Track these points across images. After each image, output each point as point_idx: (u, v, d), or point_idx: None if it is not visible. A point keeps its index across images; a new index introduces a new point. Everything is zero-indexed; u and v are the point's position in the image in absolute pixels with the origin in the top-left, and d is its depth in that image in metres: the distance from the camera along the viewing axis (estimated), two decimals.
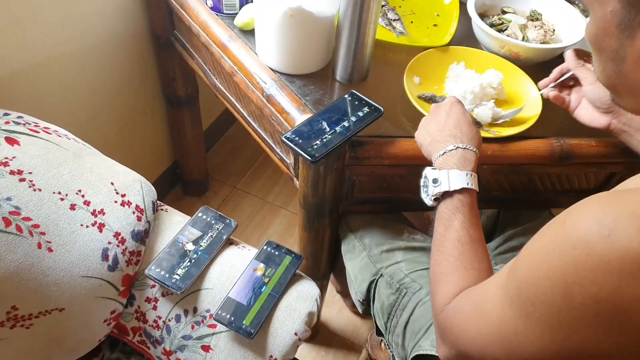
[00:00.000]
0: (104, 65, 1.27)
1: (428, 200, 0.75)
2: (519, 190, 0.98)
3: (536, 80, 0.97)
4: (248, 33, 1.06)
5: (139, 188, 0.91)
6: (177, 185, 1.81)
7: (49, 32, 1.09)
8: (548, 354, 0.50)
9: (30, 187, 0.78)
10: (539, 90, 0.90)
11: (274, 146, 1.05)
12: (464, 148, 0.75)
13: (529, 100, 0.95)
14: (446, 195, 0.74)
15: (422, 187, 0.77)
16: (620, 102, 0.59)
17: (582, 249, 0.45)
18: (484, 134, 0.89)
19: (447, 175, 0.73)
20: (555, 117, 0.93)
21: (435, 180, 0.74)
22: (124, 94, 1.38)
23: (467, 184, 0.73)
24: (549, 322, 0.48)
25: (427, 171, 0.76)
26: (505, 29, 1.07)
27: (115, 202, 0.86)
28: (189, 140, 1.61)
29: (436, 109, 0.82)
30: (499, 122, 0.92)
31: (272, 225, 1.79)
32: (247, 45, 1.03)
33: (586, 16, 1.06)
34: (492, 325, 0.55)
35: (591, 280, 0.44)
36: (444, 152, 0.75)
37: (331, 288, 1.56)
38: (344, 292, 1.49)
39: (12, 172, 0.77)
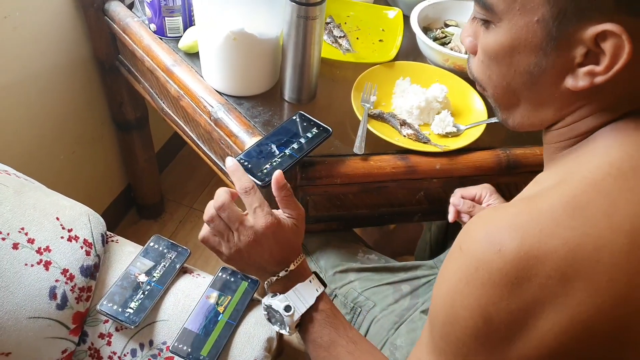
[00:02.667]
0: (47, 94, 1.23)
1: (290, 331, 0.68)
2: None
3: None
4: (193, 56, 1.05)
5: (86, 221, 0.88)
6: (132, 208, 1.77)
7: None
8: None
9: None
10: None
11: (224, 169, 1.04)
12: (294, 263, 0.69)
13: (475, 112, 0.97)
14: (306, 315, 0.68)
15: (268, 317, 0.70)
16: (510, 118, 0.58)
17: (483, 269, 0.46)
18: (431, 149, 0.90)
19: (294, 297, 0.67)
20: (499, 127, 0.95)
21: (287, 308, 0.67)
22: (71, 121, 1.34)
23: (317, 290, 0.69)
24: (487, 353, 0.48)
25: (269, 302, 0.68)
26: (449, 42, 1.09)
27: (62, 237, 0.84)
28: (141, 164, 1.58)
29: (254, 239, 0.66)
30: (450, 134, 0.93)
31: None
32: (193, 69, 1.02)
33: None
34: None
35: (500, 296, 0.46)
36: (277, 279, 0.69)
37: None
38: None
39: None
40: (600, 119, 0.52)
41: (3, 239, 0.78)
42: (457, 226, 1.10)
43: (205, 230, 0.72)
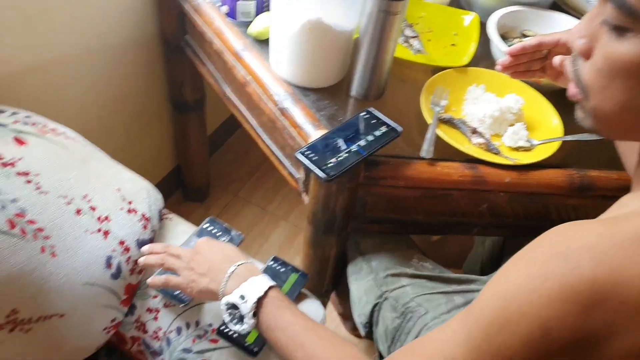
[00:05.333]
0: (112, 67, 1.25)
1: (248, 321, 0.70)
2: (533, 219, 0.96)
3: (558, 107, 0.95)
4: (262, 42, 1.04)
5: (145, 196, 0.89)
6: (178, 190, 1.79)
7: (58, 32, 1.06)
8: None
9: (36, 189, 0.76)
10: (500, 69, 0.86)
11: (283, 159, 1.03)
12: (244, 263, 0.75)
13: (549, 128, 0.94)
14: (259, 304, 0.70)
15: (228, 319, 0.73)
16: (605, 131, 0.55)
17: (554, 282, 0.45)
18: (502, 161, 0.87)
19: (247, 286, 0.71)
20: (574, 146, 0.92)
21: (242, 297, 0.70)
22: (132, 97, 1.36)
23: (269, 282, 0.72)
24: None
25: (225, 299, 0.72)
26: None
27: (121, 209, 0.84)
28: (193, 146, 1.59)
29: (195, 254, 0.79)
30: (521, 148, 0.90)
31: (272, 236, 1.77)
32: (261, 56, 1.01)
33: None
34: None
35: (567, 313, 0.44)
36: (229, 277, 0.73)
37: (330, 307, 1.53)
38: (345, 315, 1.47)
39: (18, 174, 0.75)
40: None
41: (67, 203, 0.78)
42: (515, 244, 1.07)
43: (158, 277, 0.82)
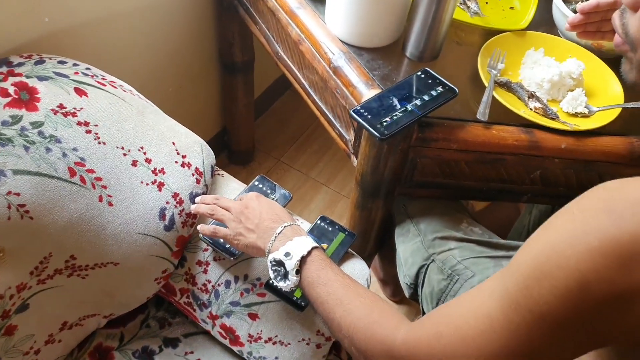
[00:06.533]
0: (164, 25, 1.26)
1: (292, 278, 0.72)
2: (586, 189, 0.93)
3: (618, 74, 0.92)
4: (317, 1, 1.03)
5: (199, 151, 0.90)
6: (224, 152, 1.81)
7: None
8: (571, 354, 0.48)
9: (95, 139, 0.78)
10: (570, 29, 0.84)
11: (333, 120, 1.03)
12: (290, 225, 0.76)
13: (610, 95, 0.90)
14: (303, 262, 0.72)
15: (274, 275, 0.74)
16: None
17: (594, 235, 0.44)
18: (560, 126, 0.85)
19: (292, 245, 0.73)
20: (637, 114, 0.88)
21: (287, 254, 0.72)
22: (182, 55, 1.37)
23: (313, 242, 0.73)
24: (567, 320, 0.45)
25: (271, 256, 0.74)
26: None
27: (176, 162, 0.86)
28: (240, 109, 1.60)
29: (245, 208, 0.80)
30: (580, 114, 0.88)
31: (314, 201, 1.77)
32: (316, 14, 1.00)
33: None
34: (498, 342, 0.49)
35: (606, 266, 0.43)
36: (276, 236, 0.75)
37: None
38: (385, 280, 1.48)
39: (79, 123, 0.77)
40: None
41: (124, 154, 0.80)
42: None
43: (207, 226, 0.84)
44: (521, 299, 0.47)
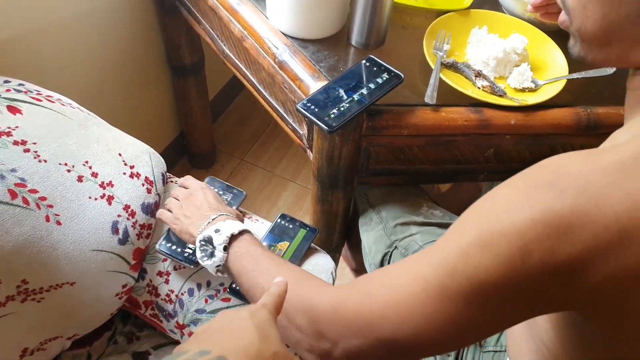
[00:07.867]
0: (106, 31, 1.22)
1: (219, 254, 0.71)
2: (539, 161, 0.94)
3: (562, 46, 0.92)
4: None
5: (147, 159, 0.88)
6: (184, 157, 1.78)
7: None
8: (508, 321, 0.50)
9: (35, 158, 0.75)
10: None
11: (285, 116, 1.02)
12: (226, 215, 0.76)
13: (555, 67, 0.91)
14: (233, 240, 0.71)
15: (201, 254, 0.73)
16: (591, 54, 0.56)
17: (536, 206, 0.45)
18: (508, 102, 0.85)
19: (225, 223, 0.73)
20: (581, 84, 0.89)
21: (217, 230, 0.72)
22: (128, 62, 1.33)
23: (245, 227, 0.73)
24: (505, 287, 0.46)
25: (201, 235, 0.74)
26: None
27: (124, 173, 0.83)
28: (195, 111, 1.57)
29: (189, 195, 0.82)
30: (527, 89, 0.88)
31: (281, 198, 1.76)
32: (257, 9, 0.98)
33: None
34: (432, 306, 0.49)
35: (547, 235, 0.44)
36: (209, 222, 0.75)
37: (342, 264, 1.54)
38: (358, 270, 1.47)
39: (15, 142, 0.74)
40: None
41: (68, 170, 0.78)
42: None
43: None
44: (459, 266, 0.48)
